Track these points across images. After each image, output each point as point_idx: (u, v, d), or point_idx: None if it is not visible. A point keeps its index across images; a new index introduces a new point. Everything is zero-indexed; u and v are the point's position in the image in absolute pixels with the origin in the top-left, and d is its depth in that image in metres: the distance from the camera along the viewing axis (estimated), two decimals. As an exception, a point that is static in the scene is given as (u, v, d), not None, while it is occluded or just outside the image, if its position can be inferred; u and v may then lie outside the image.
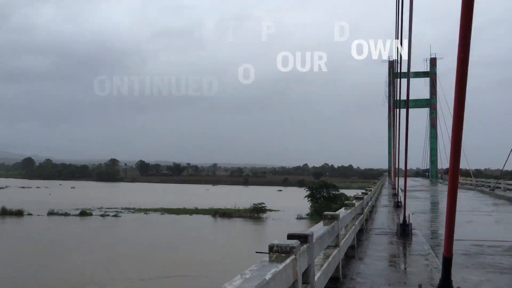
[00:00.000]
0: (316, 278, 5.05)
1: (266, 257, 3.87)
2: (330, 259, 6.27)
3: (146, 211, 73.81)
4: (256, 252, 4.37)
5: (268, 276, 3.14)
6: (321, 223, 7.02)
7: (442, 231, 15.15)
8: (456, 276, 8.35)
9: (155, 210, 75.19)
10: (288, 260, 3.74)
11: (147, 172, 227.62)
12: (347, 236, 8.68)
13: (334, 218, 7.01)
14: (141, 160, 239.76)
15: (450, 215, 5.34)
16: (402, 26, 14.44)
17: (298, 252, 4.06)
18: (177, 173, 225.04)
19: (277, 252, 3.97)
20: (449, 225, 5.43)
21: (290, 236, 4.63)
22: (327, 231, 6.05)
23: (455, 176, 5.20)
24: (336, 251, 6.86)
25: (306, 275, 4.65)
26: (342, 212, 8.64)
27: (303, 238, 4.64)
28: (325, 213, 7.15)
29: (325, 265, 5.84)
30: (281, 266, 3.50)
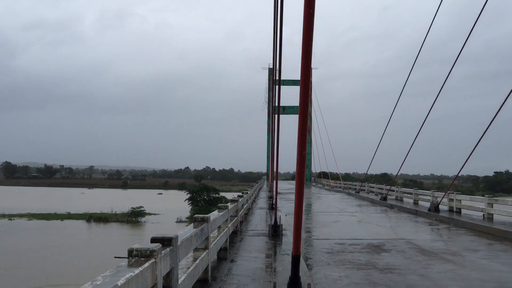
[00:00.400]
0: (180, 281, 5.03)
1: (125, 262, 3.76)
2: (197, 261, 6.29)
3: (10, 216, 67.66)
4: (115, 257, 4.22)
5: (121, 282, 3.04)
6: (191, 226, 7.03)
7: (313, 231, 16.08)
8: (319, 273, 8.93)
9: (22, 215, 69.32)
10: (146, 264, 3.67)
11: (13, 174, 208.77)
12: (218, 238, 8.79)
13: (204, 220, 7.06)
14: (6, 161, 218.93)
15: (297, 216, 5.62)
16: (277, 35, 15.02)
17: (159, 255, 4.00)
18: (48, 176, 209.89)
19: (137, 256, 3.89)
20: (296, 226, 5.70)
21: (154, 240, 4.56)
22: (195, 234, 6.06)
23: (301, 182, 5.48)
24: (205, 253, 6.90)
25: (169, 279, 4.60)
26: (213, 214, 8.73)
27: (167, 241, 4.59)
28: (195, 215, 7.17)
29: (191, 268, 5.83)
30: (137, 270, 3.42)
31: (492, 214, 17.75)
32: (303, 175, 5.45)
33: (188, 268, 5.82)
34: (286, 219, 19.38)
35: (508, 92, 15.36)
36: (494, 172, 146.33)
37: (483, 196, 19.26)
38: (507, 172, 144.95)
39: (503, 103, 15.68)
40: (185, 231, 6.10)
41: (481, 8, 16.88)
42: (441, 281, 8.37)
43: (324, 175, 69.21)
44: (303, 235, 14.97)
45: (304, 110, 4.92)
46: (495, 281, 8.38)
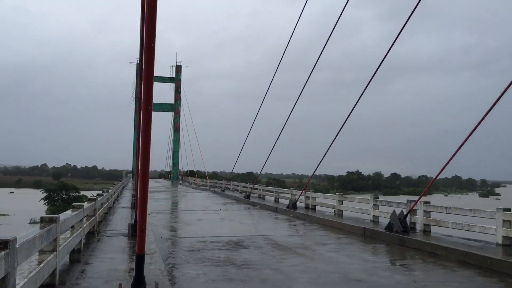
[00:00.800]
0: (18, 286, 4.62)
1: None
2: (42, 265, 5.83)
3: None
4: None
5: None
6: (38, 227, 6.51)
7: (176, 230, 15.97)
8: (178, 272, 8.88)
9: None
10: (-28, 270, 3.30)
11: None
12: (71, 239, 8.27)
13: (53, 221, 6.59)
14: None
15: (141, 215, 5.54)
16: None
17: (-11, 260, 3.63)
18: None
19: (-38, 262, 3.48)
20: (140, 225, 5.62)
21: (-14, 243, 4.14)
22: (39, 235, 5.61)
23: (144, 183, 5.40)
24: (52, 256, 6.43)
25: (4, 284, 4.20)
26: (65, 214, 8.21)
27: (3, 244, 4.20)
28: (43, 216, 6.67)
29: (34, 272, 5.39)
30: (-41, 277, 3.05)
31: (342, 210, 19.36)
32: (147, 172, 5.36)
33: (30, 272, 5.36)
34: (149, 217, 19.01)
35: (357, 99, 16.91)
36: (347, 172, 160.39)
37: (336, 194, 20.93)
38: (357, 171, 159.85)
39: (352, 110, 17.21)
40: (28, 233, 5.63)
41: (336, 20, 18.34)
42: (292, 274, 8.89)
43: (191, 173, 69.31)
44: (167, 233, 14.80)
45: (146, 104, 4.84)
46: (340, 272, 9.15)
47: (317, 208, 22.00)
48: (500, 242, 11.36)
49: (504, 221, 11.34)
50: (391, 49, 15.12)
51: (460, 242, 11.99)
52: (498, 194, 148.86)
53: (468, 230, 12.57)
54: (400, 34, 14.76)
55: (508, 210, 11.44)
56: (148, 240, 11.77)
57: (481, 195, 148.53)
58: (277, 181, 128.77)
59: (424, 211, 13.98)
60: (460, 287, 8.10)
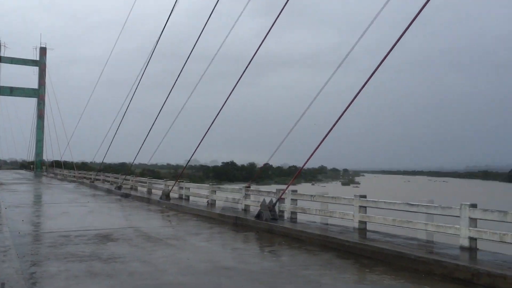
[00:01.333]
0: None
1: None
2: None
3: None
4: None
5: None
6: None
7: (38, 225, 14.77)
8: (37, 269, 8.23)
9: None
10: None
11: None
12: None
13: None
14: None
15: None
16: None
17: None
18: None
19: None
20: None
21: None
22: None
23: None
24: None
25: None
26: None
27: None
28: None
29: None
30: None
31: (215, 200, 19.56)
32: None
33: None
34: (6, 212, 17.38)
35: (231, 92, 17.20)
36: (222, 162, 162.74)
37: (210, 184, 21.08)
38: (232, 162, 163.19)
39: (225, 101, 17.47)
40: None
41: (211, 11, 18.40)
42: (162, 265, 8.74)
43: (57, 164, 64.70)
44: (27, 229, 13.61)
45: None
46: (211, 261, 9.21)
47: (191, 198, 21.96)
48: (356, 226, 12.34)
49: (360, 207, 12.36)
50: (267, 44, 15.55)
51: (322, 227, 12.84)
52: (358, 183, 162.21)
53: (330, 216, 13.48)
54: (275, 30, 15.24)
55: (364, 197, 12.47)
56: (3, 236, 10.76)
57: (343, 184, 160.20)
58: (151, 172, 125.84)
59: (292, 199, 14.68)
60: (320, 269, 8.66)
